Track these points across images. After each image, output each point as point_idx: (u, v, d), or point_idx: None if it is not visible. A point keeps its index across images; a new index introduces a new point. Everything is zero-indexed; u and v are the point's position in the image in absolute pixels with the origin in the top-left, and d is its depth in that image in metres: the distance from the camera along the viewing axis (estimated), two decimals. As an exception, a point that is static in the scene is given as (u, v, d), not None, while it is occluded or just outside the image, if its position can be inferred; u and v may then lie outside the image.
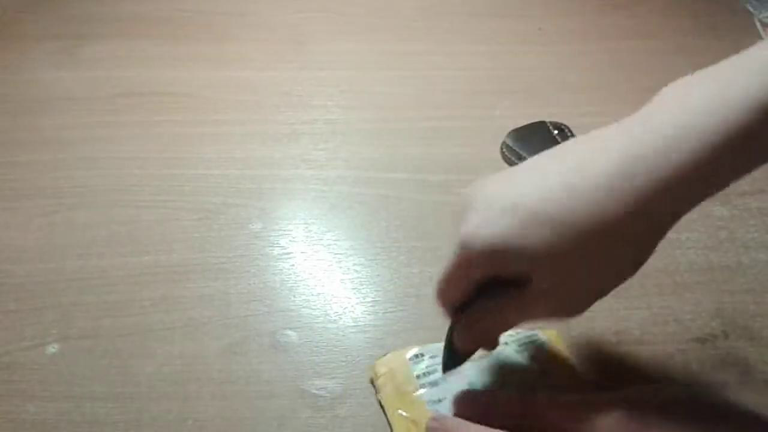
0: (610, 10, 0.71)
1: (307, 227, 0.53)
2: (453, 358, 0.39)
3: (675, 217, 0.33)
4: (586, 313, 0.43)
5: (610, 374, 0.44)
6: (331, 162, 0.58)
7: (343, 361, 0.45)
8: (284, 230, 0.53)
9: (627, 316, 0.47)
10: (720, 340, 0.46)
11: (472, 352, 0.39)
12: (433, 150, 0.58)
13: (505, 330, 0.39)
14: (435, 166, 0.57)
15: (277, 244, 0.52)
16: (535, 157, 0.35)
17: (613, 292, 0.48)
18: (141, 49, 0.67)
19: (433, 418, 0.39)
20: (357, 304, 0.48)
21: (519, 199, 0.33)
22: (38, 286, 0.49)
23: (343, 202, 0.55)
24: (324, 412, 0.42)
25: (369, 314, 0.47)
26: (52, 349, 0.46)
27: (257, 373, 0.44)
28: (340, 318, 0.47)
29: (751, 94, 0.30)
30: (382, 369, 0.43)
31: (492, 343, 0.39)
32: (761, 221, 0.53)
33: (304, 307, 0.48)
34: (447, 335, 0.39)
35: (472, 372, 0.42)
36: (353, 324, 0.47)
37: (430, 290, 0.48)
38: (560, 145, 0.35)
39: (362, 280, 0.49)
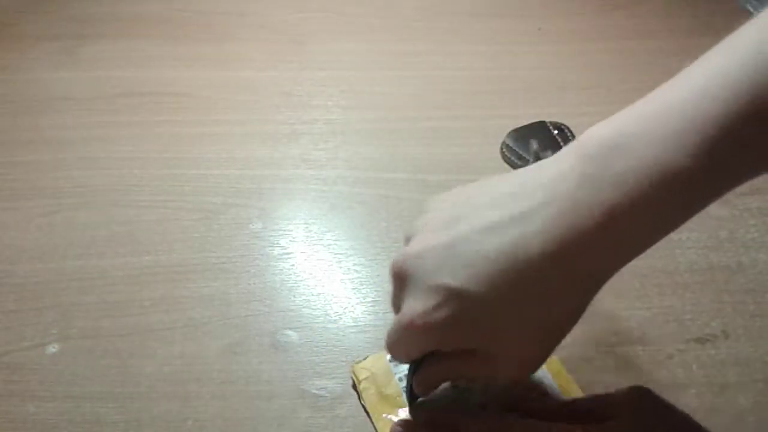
0: (610, 10, 0.71)
1: (307, 227, 0.53)
2: (415, 395, 0.39)
3: (589, 275, 0.31)
4: (586, 314, 0.43)
5: (610, 374, 0.44)
6: (331, 162, 0.58)
7: (343, 361, 0.45)
8: (284, 230, 0.53)
9: (627, 316, 0.47)
10: (720, 340, 0.46)
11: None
12: (433, 150, 0.58)
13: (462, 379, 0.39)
14: (435, 166, 0.57)
15: (278, 244, 0.52)
16: (447, 219, 0.33)
17: (613, 292, 0.48)
18: (141, 49, 0.67)
19: (399, 424, 0.39)
20: (357, 304, 0.48)
21: (442, 280, 0.31)
22: (38, 286, 0.49)
23: (344, 202, 0.55)
24: (324, 412, 0.42)
25: (369, 314, 0.47)
26: (52, 349, 0.46)
27: (257, 373, 0.44)
28: (341, 318, 0.47)
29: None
30: (363, 373, 0.43)
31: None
32: (761, 221, 0.53)
33: (304, 307, 0.48)
34: (408, 380, 0.38)
35: None
36: (353, 324, 0.47)
37: (430, 290, 0.48)
38: (467, 201, 0.33)
39: (362, 280, 0.49)
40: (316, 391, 0.43)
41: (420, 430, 0.39)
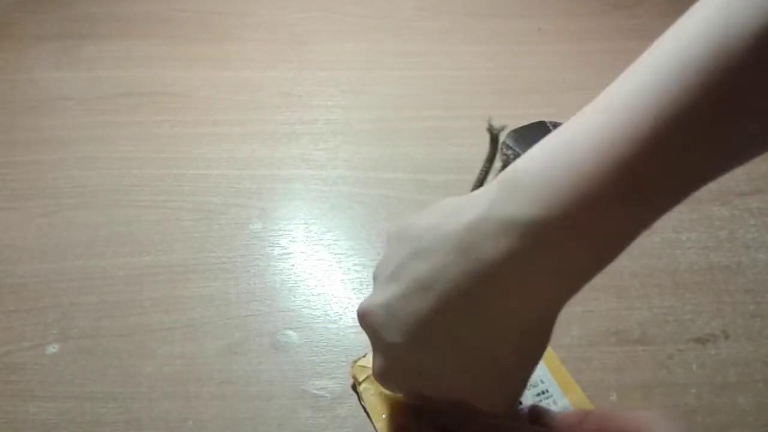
0: (610, 10, 0.71)
1: (307, 227, 0.53)
2: None
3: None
4: (586, 314, 0.43)
5: (610, 375, 0.44)
6: (332, 162, 0.58)
7: (343, 361, 0.45)
8: (284, 230, 0.53)
9: (627, 316, 0.47)
10: (720, 340, 0.46)
11: None
12: (433, 150, 0.58)
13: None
14: (435, 166, 0.57)
15: (278, 244, 0.52)
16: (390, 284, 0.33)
17: (613, 292, 0.48)
18: (141, 49, 0.67)
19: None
20: (357, 304, 0.48)
21: (386, 340, 0.33)
22: (38, 286, 0.49)
23: (344, 202, 0.55)
24: (324, 412, 0.42)
25: (369, 314, 0.47)
26: (52, 349, 0.46)
27: (257, 373, 0.44)
28: (341, 318, 0.47)
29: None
30: (363, 374, 0.43)
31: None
32: (761, 221, 0.53)
33: (304, 307, 0.48)
34: None
35: None
36: (353, 324, 0.47)
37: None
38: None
39: (362, 280, 0.49)
40: (316, 391, 0.43)
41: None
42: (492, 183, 0.29)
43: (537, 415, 0.39)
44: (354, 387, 0.43)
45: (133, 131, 0.60)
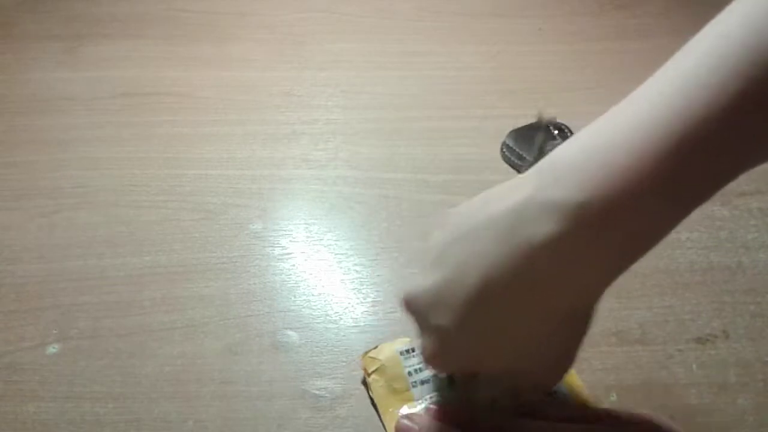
0: (610, 10, 0.71)
1: (307, 227, 0.53)
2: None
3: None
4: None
5: (610, 375, 0.44)
6: (332, 162, 0.58)
7: (343, 362, 0.45)
8: (285, 230, 0.53)
9: (627, 316, 0.47)
10: (720, 340, 0.46)
11: None
12: (433, 150, 0.58)
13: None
14: (435, 166, 0.57)
15: (278, 244, 0.52)
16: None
17: (613, 292, 0.48)
18: (141, 49, 0.67)
19: (406, 416, 0.39)
20: (357, 304, 0.48)
21: (434, 322, 0.33)
22: (38, 286, 0.49)
23: (344, 203, 0.55)
24: (324, 412, 0.42)
25: (369, 315, 0.47)
26: (52, 349, 0.46)
27: (257, 374, 0.44)
28: (341, 318, 0.47)
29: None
30: (373, 365, 0.43)
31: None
32: (761, 221, 0.53)
33: (304, 308, 0.48)
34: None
35: None
36: (354, 324, 0.47)
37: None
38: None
39: (363, 280, 0.49)
40: (316, 391, 0.43)
41: (427, 419, 0.39)
42: (530, 171, 0.30)
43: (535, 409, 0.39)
44: (364, 381, 0.43)
45: (133, 131, 0.60)
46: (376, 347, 0.44)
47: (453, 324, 0.32)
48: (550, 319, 0.31)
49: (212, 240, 0.52)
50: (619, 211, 0.26)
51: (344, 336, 0.46)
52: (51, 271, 0.50)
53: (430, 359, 0.36)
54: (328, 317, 0.47)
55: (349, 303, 0.48)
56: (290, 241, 0.52)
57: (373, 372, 0.42)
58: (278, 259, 0.51)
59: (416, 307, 0.35)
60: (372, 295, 0.48)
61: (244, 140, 0.59)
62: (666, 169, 0.26)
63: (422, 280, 0.34)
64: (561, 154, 0.29)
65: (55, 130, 0.60)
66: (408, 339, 0.44)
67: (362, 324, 0.47)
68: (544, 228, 0.28)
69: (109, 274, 0.50)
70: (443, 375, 0.42)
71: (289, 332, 0.47)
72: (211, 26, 0.70)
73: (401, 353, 0.43)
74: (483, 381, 0.38)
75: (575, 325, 0.32)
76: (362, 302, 0.48)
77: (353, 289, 0.49)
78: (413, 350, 0.43)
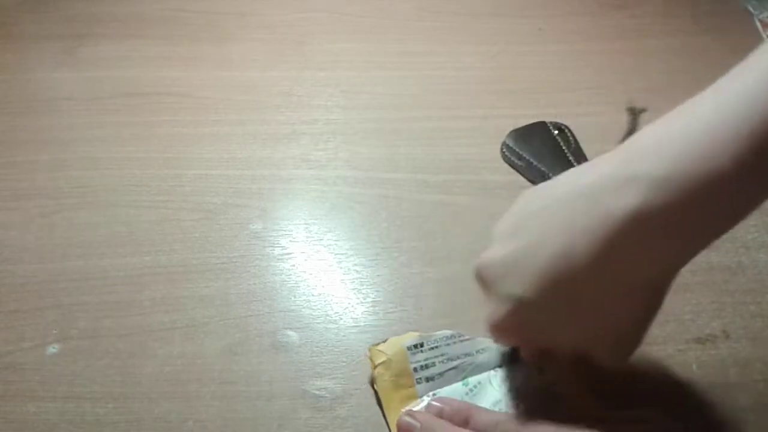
0: (610, 10, 0.71)
1: (307, 227, 0.53)
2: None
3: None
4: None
5: (609, 374, 0.44)
6: (332, 162, 0.58)
7: (343, 362, 0.45)
8: (285, 230, 0.53)
9: (627, 316, 0.47)
10: (720, 340, 0.46)
11: None
12: (433, 150, 0.58)
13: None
14: (435, 166, 0.57)
15: (278, 244, 0.52)
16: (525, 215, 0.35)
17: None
18: (141, 49, 0.67)
19: (408, 413, 0.39)
20: (357, 304, 0.48)
21: (508, 290, 0.34)
22: (38, 286, 0.49)
23: (344, 203, 0.55)
24: (324, 412, 0.42)
25: (369, 314, 0.47)
26: (52, 349, 0.46)
27: (257, 374, 0.44)
28: (341, 318, 0.47)
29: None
30: (379, 357, 0.43)
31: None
32: (761, 221, 0.53)
33: (304, 308, 0.48)
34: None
35: (469, 368, 0.42)
36: (354, 324, 0.47)
37: (430, 291, 0.49)
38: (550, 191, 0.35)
39: (363, 280, 0.50)
40: (316, 392, 0.43)
41: (429, 416, 0.39)
42: (615, 150, 0.31)
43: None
44: (371, 374, 0.43)
45: (133, 131, 0.60)
46: (385, 341, 0.44)
47: (528, 293, 0.33)
48: (627, 292, 0.32)
49: (212, 240, 0.52)
50: (699, 188, 0.28)
51: (344, 336, 0.46)
52: (51, 271, 0.50)
53: (497, 329, 0.36)
54: (328, 317, 0.47)
55: (349, 303, 0.48)
56: (290, 241, 0.52)
57: (380, 365, 0.42)
58: (278, 259, 0.51)
59: (490, 275, 0.35)
60: (372, 295, 0.48)
61: (244, 140, 0.59)
62: (744, 152, 0.27)
63: (499, 249, 0.35)
64: (646, 133, 0.30)
65: (55, 130, 0.60)
66: (417, 334, 0.44)
67: (362, 324, 0.47)
68: (627, 200, 0.29)
69: (109, 274, 0.50)
70: (506, 349, 0.42)
71: (289, 332, 0.47)
72: (211, 26, 0.70)
73: (409, 348, 0.43)
74: (548, 356, 0.38)
75: (650, 299, 0.33)
76: (362, 302, 0.48)
77: (353, 289, 0.49)
78: (421, 345, 0.43)
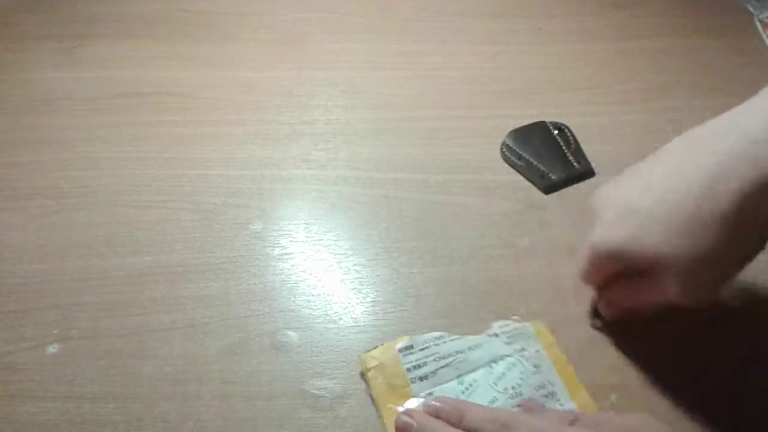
0: (610, 10, 0.71)
1: (307, 227, 0.53)
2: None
3: None
4: (588, 313, 0.43)
5: (611, 375, 0.44)
6: (332, 162, 0.58)
7: (343, 362, 0.45)
8: (285, 230, 0.53)
9: (627, 316, 0.47)
10: (720, 340, 0.46)
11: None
12: (433, 150, 0.58)
13: (641, 305, 0.43)
14: (435, 166, 0.57)
15: (278, 244, 0.52)
16: (642, 163, 0.41)
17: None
18: (141, 49, 0.67)
19: (405, 413, 0.39)
20: (357, 304, 0.48)
21: (631, 205, 0.39)
22: (38, 286, 0.49)
23: (344, 202, 0.55)
24: (324, 412, 0.42)
25: (369, 314, 0.47)
26: (52, 349, 0.46)
27: (257, 374, 0.44)
28: (341, 318, 0.47)
29: None
30: (371, 362, 0.43)
31: (633, 314, 0.44)
32: (761, 221, 0.52)
33: (304, 308, 0.48)
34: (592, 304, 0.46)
35: (461, 365, 0.43)
36: (353, 324, 0.47)
37: (430, 290, 0.49)
38: (662, 148, 0.40)
39: (362, 280, 0.50)
40: (316, 391, 0.43)
41: (425, 416, 0.39)
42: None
43: (530, 408, 0.40)
44: (362, 375, 0.43)
45: (134, 131, 0.60)
46: (375, 347, 0.44)
47: (644, 202, 0.38)
48: (748, 240, 0.37)
49: (212, 240, 0.52)
50: None
51: (344, 336, 0.46)
52: (51, 271, 0.50)
53: (595, 246, 0.41)
54: (328, 317, 0.47)
55: (349, 303, 0.48)
56: (290, 241, 0.52)
57: (372, 369, 0.43)
58: (278, 259, 0.51)
59: (607, 191, 0.41)
60: (372, 295, 0.48)
61: (243, 140, 0.59)
62: None
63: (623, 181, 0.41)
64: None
65: (55, 130, 0.60)
66: (407, 337, 0.44)
67: (362, 324, 0.47)
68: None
69: (110, 274, 0.50)
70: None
71: (289, 332, 0.47)
72: (211, 26, 0.70)
73: (400, 350, 0.43)
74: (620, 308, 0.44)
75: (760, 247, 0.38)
76: (362, 302, 0.48)
77: (353, 289, 0.49)
78: (412, 347, 0.43)
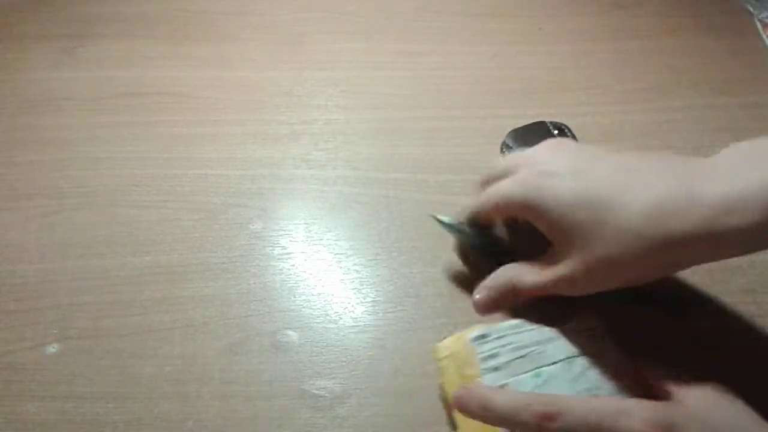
0: (610, 10, 0.71)
1: (307, 227, 0.53)
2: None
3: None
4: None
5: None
6: (332, 162, 0.58)
7: (343, 361, 0.45)
8: (284, 230, 0.53)
9: (627, 316, 0.47)
10: (720, 340, 0.46)
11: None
12: (433, 150, 0.58)
13: (530, 293, 0.43)
14: (435, 166, 0.57)
15: (278, 244, 0.52)
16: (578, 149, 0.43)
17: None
18: (141, 49, 0.67)
19: (463, 387, 0.38)
20: (357, 304, 0.48)
21: (552, 171, 0.41)
22: (38, 286, 0.49)
23: (344, 202, 0.55)
24: (324, 412, 0.42)
25: (369, 314, 0.47)
26: (52, 349, 0.46)
27: (257, 374, 0.44)
28: (341, 318, 0.47)
29: None
30: (444, 352, 0.42)
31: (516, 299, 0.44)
32: (761, 221, 0.52)
33: (304, 308, 0.48)
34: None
35: (539, 358, 0.40)
36: (353, 324, 0.47)
37: (430, 290, 0.49)
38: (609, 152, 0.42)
39: (362, 280, 0.50)
40: (316, 391, 0.43)
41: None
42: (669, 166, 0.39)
43: None
44: (440, 377, 0.42)
45: (133, 131, 0.60)
46: (444, 338, 0.42)
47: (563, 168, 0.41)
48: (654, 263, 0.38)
49: (212, 240, 0.52)
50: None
51: (344, 336, 0.46)
52: (51, 271, 0.50)
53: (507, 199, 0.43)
54: (328, 317, 0.47)
55: (349, 303, 0.48)
56: (290, 241, 0.52)
57: (444, 358, 0.41)
58: (278, 259, 0.51)
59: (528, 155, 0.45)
60: (372, 295, 0.48)
61: (243, 140, 0.59)
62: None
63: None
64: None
65: (55, 130, 0.60)
66: (483, 325, 0.42)
67: (362, 324, 0.47)
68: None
69: (109, 274, 0.50)
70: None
71: (289, 332, 0.47)
72: (211, 26, 0.70)
73: (474, 339, 0.41)
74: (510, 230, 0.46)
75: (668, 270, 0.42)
76: (362, 302, 0.48)
77: (353, 289, 0.49)
78: (487, 335, 0.41)
